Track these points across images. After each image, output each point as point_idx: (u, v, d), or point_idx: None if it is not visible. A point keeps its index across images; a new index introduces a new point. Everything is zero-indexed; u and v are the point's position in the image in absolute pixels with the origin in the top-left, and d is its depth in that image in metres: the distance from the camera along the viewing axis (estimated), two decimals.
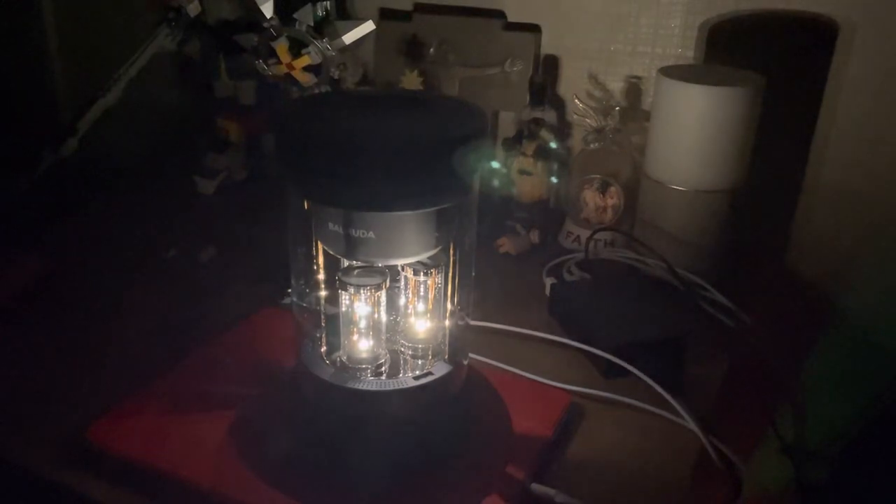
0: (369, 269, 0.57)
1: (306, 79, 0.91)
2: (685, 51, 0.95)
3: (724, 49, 0.92)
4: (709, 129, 0.81)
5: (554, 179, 0.95)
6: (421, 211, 0.51)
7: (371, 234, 0.51)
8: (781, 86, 0.83)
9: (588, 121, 0.95)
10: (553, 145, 0.95)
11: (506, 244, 0.93)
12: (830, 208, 0.91)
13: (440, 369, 0.58)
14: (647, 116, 0.95)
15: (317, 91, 0.91)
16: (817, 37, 0.88)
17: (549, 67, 1.03)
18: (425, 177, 0.48)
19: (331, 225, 0.52)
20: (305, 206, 0.54)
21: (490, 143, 1.01)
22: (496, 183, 0.96)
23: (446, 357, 0.59)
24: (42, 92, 1.12)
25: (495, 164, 0.95)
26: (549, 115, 0.98)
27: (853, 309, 0.79)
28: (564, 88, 1.03)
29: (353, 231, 0.51)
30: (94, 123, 0.90)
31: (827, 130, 0.89)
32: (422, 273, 0.58)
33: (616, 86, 1.00)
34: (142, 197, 1.03)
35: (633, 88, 0.99)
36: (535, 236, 0.95)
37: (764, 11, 0.90)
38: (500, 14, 1.03)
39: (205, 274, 0.86)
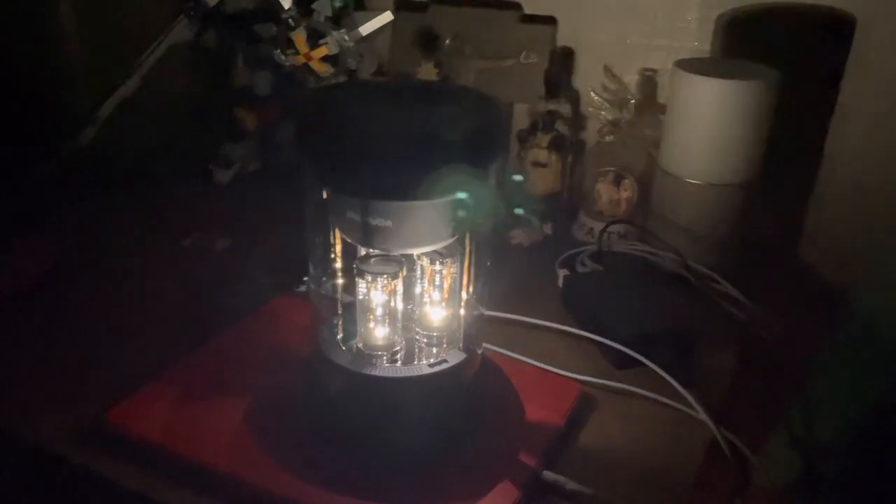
0: (386, 258, 0.57)
1: (323, 69, 0.91)
2: (701, 44, 0.95)
3: (741, 42, 0.92)
4: (724, 122, 0.81)
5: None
6: (439, 200, 0.52)
7: (389, 223, 0.52)
8: (797, 79, 0.83)
9: (603, 113, 0.95)
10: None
11: (519, 235, 0.94)
12: (844, 203, 0.91)
13: (455, 357, 0.58)
14: (662, 109, 0.96)
15: (333, 81, 0.92)
16: (834, 30, 0.87)
17: (564, 60, 1.03)
18: (444, 166, 0.49)
19: (349, 213, 0.53)
20: (324, 195, 0.55)
21: (506, 135, 1.01)
22: (509, 174, 0.96)
23: (461, 346, 0.60)
24: (60, 81, 1.13)
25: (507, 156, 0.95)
26: (564, 108, 0.98)
27: (865, 303, 0.79)
28: (580, 81, 1.03)
29: (372, 219, 0.52)
30: (112, 112, 0.91)
31: (842, 125, 0.89)
32: (437, 262, 0.58)
33: (631, 79, 0.99)
34: (159, 185, 1.04)
35: (649, 81, 0.99)
36: (548, 228, 0.95)
37: (780, 4, 0.89)
38: (516, 6, 1.03)
39: (221, 262, 0.87)
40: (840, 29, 0.87)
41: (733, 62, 0.88)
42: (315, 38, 0.91)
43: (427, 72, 1.03)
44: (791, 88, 0.83)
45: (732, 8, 0.92)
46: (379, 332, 0.59)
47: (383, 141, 0.49)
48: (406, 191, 0.50)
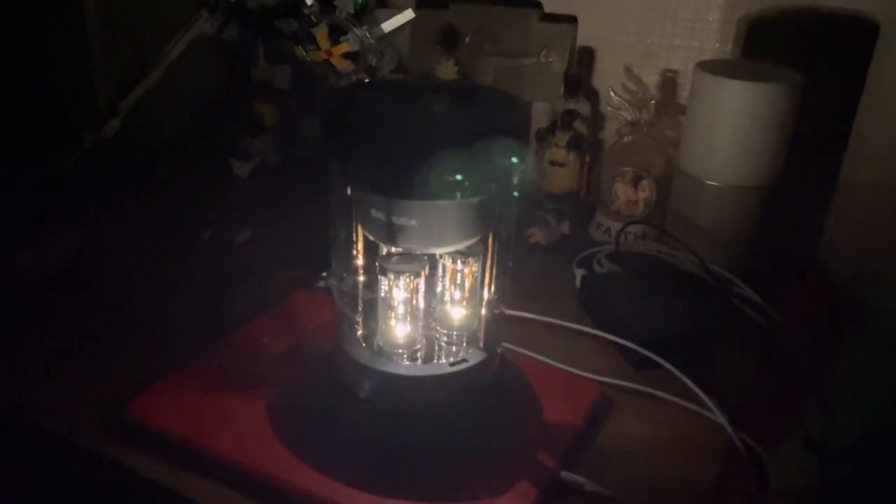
0: (408, 256, 0.58)
1: (344, 65, 0.91)
2: (723, 45, 0.94)
3: (763, 44, 0.92)
4: (746, 125, 0.80)
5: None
6: (463, 200, 0.52)
7: (413, 222, 0.52)
8: (819, 82, 0.83)
9: (622, 113, 0.95)
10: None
11: (536, 234, 0.94)
12: (865, 207, 0.91)
13: (475, 356, 0.59)
14: (681, 110, 0.95)
15: (354, 78, 0.92)
16: (858, 34, 0.87)
17: (584, 59, 1.03)
18: (470, 166, 0.49)
19: (373, 211, 0.53)
20: (348, 192, 0.55)
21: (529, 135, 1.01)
22: (528, 173, 0.96)
23: (481, 345, 0.60)
24: (81, 73, 1.14)
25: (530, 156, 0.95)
26: (583, 107, 0.98)
27: (885, 308, 0.78)
28: (599, 80, 1.03)
29: (396, 218, 0.52)
30: (135, 105, 0.92)
31: (865, 129, 0.89)
32: (459, 262, 0.59)
33: (651, 79, 0.99)
34: (179, 177, 1.05)
35: (669, 82, 0.98)
36: (565, 227, 0.95)
37: (804, 7, 0.89)
38: (536, 4, 1.03)
39: (240, 256, 0.88)
40: (863, 32, 0.86)
41: (755, 64, 0.88)
42: (336, 35, 0.91)
43: (447, 70, 1.03)
44: (813, 91, 0.82)
45: (755, 10, 0.91)
46: (400, 330, 0.59)
47: (409, 140, 0.49)
48: (433, 190, 0.50)
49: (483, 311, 0.60)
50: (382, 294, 0.58)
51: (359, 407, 0.59)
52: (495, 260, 0.58)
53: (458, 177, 0.49)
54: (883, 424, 0.64)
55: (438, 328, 0.61)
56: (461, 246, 0.56)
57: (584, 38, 1.02)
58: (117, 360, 0.69)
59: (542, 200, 0.97)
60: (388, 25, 0.90)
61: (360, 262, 0.60)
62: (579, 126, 0.98)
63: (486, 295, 0.60)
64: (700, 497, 0.59)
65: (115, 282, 0.82)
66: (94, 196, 0.95)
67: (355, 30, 0.89)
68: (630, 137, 0.95)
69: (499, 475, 0.56)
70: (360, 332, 0.61)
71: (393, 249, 0.58)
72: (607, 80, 1.01)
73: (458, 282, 0.60)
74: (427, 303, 0.60)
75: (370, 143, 0.50)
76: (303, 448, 0.58)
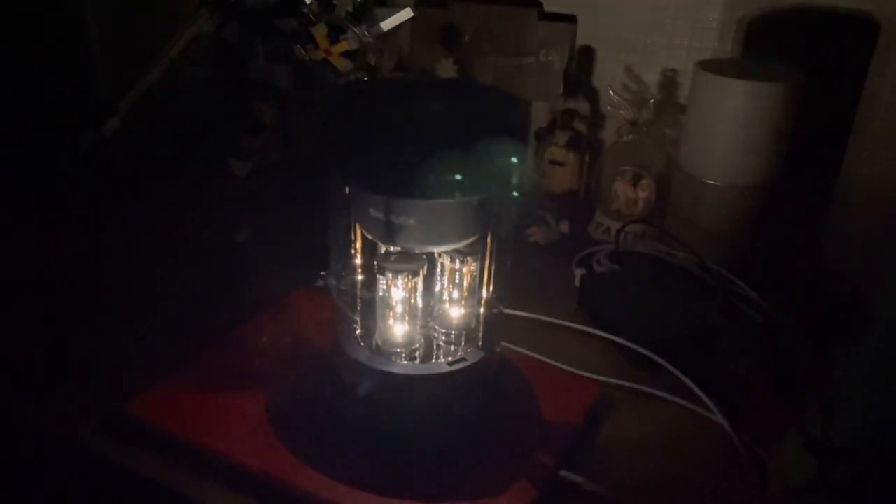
0: (407, 255, 0.57)
1: (343, 64, 0.91)
2: (723, 44, 0.94)
3: (763, 43, 0.92)
4: (746, 124, 0.80)
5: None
6: (462, 199, 0.52)
7: (412, 221, 0.52)
8: (820, 81, 0.83)
9: (622, 113, 0.95)
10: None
11: (535, 234, 0.94)
12: (865, 206, 0.91)
13: (473, 356, 0.59)
14: (681, 109, 0.95)
15: (353, 77, 0.92)
16: (858, 33, 0.87)
17: (584, 58, 1.03)
18: (469, 165, 0.49)
19: (372, 211, 0.53)
20: (347, 191, 0.55)
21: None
22: (527, 173, 0.96)
23: (479, 344, 0.60)
24: (81, 73, 1.14)
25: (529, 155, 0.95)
26: (583, 106, 0.98)
27: (885, 307, 0.78)
28: (599, 79, 1.03)
29: (395, 217, 0.52)
30: (134, 103, 0.92)
31: (865, 128, 0.89)
32: (458, 261, 0.59)
33: (651, 78, 0.99)
34: (179, 177, 1.05)
35: (669, 81, 0.98)
36: (564, 226, 0.95)
37: (804, 6, 0.89)
38: (536, 3, 1.03)
39: (240, 255, 0.88)
40: (863, 31, 0.86)
41: (755, 63, 0.87)
42: (335, 34, 0.91)
43: (446, 68, 1.03)
44: (813, 90, 0.82)
45: (756, 9, 0.91)
46: (398, 329, 0.59)
47: (408, 139, 0.49)
48: (432, 189, 0.50)
49: (482, 310, 0.60)
50: (381, 293, 0.58)
51: (358, 406, 0.59)
52: (494, 259, 0.58)
53: (457, 176, 0.49)
54: (883, 424, 0.64)
55: (437, 327, 0.61)
56: (460, 245, 0.56)
57: (583, 37, 1.02)
58: (117, 360, 0.69)
59: (542, 199, 0.97)
60: (387, 24, 0.90)
61: (358, 261, 0.60)
62: (579, 125, 0.98)
63: (484, 294, 0.60)
64: (700, 497, 0.59)
65: (115, 281, 0.81)
66: (94, 196, 0.95)
67: (354, 29, 0.89)
68: (630, 136, 0.95)
69: (498, 474, 0.56)
70: (358, 332, 0.61)
71: (391, 248, 0.58)
72: (607, 79, 1.01)
73: (457, 281, 0.60)
74: (426, 302, 0.60)
75: (369, 143, 0.50)
76: (302, 447, 0.58)
